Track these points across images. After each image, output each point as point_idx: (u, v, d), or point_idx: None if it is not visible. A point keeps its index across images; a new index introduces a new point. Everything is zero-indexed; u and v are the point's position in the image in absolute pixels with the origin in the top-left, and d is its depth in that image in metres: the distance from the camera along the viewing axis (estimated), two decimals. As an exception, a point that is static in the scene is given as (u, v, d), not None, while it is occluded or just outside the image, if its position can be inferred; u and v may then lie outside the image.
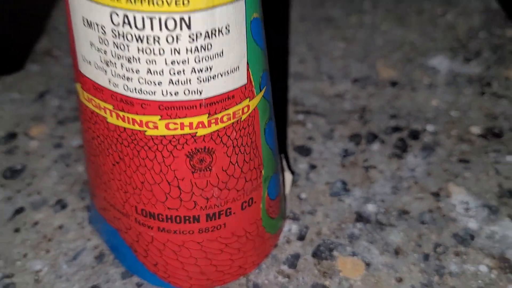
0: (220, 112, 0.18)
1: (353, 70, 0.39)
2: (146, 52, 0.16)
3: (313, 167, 0.31)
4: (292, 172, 0.30)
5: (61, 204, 0.28)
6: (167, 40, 0.16)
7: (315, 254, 0.26)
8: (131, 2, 0.15)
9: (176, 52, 0.16)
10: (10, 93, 0.36)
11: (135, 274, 0.25)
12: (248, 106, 0.19)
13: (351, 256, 0.26)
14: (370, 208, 0.28)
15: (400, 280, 0.25)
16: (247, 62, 0.18)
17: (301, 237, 0.27)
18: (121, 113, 0.18)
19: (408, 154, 0.32)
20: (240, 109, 0.19)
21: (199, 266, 0.23)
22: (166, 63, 0.17)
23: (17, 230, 0.27)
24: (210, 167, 0.20)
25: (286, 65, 0.40)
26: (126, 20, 0.16)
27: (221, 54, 0.17)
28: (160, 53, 0.16)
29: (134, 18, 0.16)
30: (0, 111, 0.35)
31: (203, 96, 0.18)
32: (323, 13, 0.46)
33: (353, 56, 0.41)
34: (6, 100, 0.36)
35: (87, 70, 0.18)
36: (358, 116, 0.35)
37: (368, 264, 0.25)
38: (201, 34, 0.16)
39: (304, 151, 0.32)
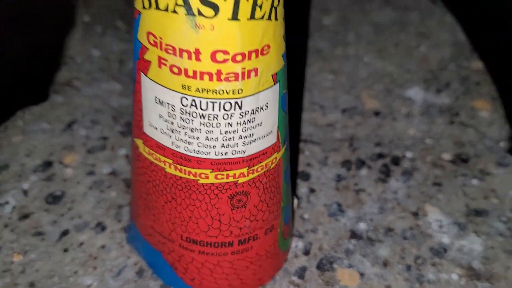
0: (256, 164, 0.24)
1: (341, 101, 0.45)
2: (206, 125, 0.22)
3: (312, 190, 0.37)
4: (297, 197, 0.36)
5: (101, 226, 0.33)
6: (223, 117, 0.21)
7: (318, 266, 0.32)
8: (199, 91, 0.20)
9: (229, 125, 0.22)
10: (40, 123, 0.41)
11: (173, 287, 0.30)
12: (275, 157, 0.25)
13: (348, 268, 0.32)
14: (362, 226, 0.34)
15: (388, 287, 0.30)
16: (278, 126, 0.24)
17: (306, 252, 0.32)
18: (179, 166, 0.23)
19: (391, 178, 0.38)
20: (270, 161, 0.24)
21: (228, 280, 0.28)
22: (220, 133, 0.22)
23: (66, 250, 0.32)
24: (245, 205, 0.25)
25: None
26: (193, 103, 0.21)
27: (261, 124, 0.22)
28: (217, 126, 0.22)
29: (200, 102, 0.21)
30: (34, 140, 0.39)
31: (246, 154, 0.23)
32: (312, 45, 0.52)
33: (341, 87, 0.47)
34: (38, 129, 0.40)
35: (152, 132, 0.23)
36: (348, 144, 0.41)
37: (362, 274, 0.31)
38: (248, 111, 0.22)
39: (304, 176, 0.38)
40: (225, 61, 0.20)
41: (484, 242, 0.33)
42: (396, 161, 0.39)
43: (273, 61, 0.21)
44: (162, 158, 0.24)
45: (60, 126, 0.40)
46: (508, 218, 0.35)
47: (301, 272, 0.31)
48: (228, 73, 0.20)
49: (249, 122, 0.22)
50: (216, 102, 0.21)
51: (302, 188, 0.37)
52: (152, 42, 0.20)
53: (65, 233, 0.33)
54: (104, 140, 0.40)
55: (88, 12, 0.52)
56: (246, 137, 0.22)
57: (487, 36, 0.52)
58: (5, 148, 0.38)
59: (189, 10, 0.19)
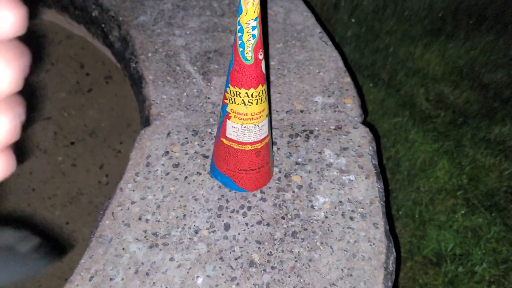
0: (263, 141, 0.76)
1: (284, 107, 0.97)
2: (249, 132, 0.73)
3: (278, 148, 0.89)
4: (273, 151, 0.88)
5: (198, 172, 0.84)
6: (254, 130, 0.73)
7: (285, 176, 0.84)
8: (246, 121, 0.72)
9: (255, 131, 0.73)
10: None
11: (232, 189, 0.81)
12: (268, 138, 0.77)
13: (296, 175, 0.84)
14: (299, 159, 0.87)
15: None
16: (268, 127, 0.75)
17: (279, 171, 0.84)
18: (240, 145, 0.75)
19: (309, 140, 0.90)
20: (267, 140, 0.76)
21: (255, 183, 0.80)
22: (253, 133, 0.73)
23: (186, 178, 0.82)
24: (260, 155, 0.77)
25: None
26: (246, 127, 0.72)
27: (264, 128, 0.74)
28: (252, 132, 0.73)
29: (247, 126, 0.72)
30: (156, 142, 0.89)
31: (260, 138, 0.75)
32: (268, 78, 1.03)
33: (283, 100, 0.98)
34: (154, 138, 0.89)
35: (230, 134, 0.74)
36: (290, 127, 0.93)
37: (301, 177, 0.84)
38: (260, 126, 0.73)
39: (274, 143, 0.90)
40: (253, 114, 0.71)
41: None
42: (311, 132, 0.91)
43: (267, 109, 0.73)
44: (233, 143, 0.75)
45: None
46: (355, 149, 0.88)
47: (278, 178, 0.83)
48: (256, 115, 0.71)
49: (261, 129, 0.73)
50: (252, 124, 0.72)
51: (274, 148, 0.89)
52: (230, 111, 0.71)
53: (187, 176, 0.83)
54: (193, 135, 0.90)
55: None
56: (260, 134, 0.74)
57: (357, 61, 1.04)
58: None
59: (245, 103, 0.70)
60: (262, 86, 0.68)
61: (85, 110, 1.45)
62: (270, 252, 0.73)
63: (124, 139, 1.38)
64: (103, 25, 1.23)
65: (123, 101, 1.44)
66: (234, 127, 0.72)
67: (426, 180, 1.55)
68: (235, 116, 0.71)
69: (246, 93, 0.67)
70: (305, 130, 0.91)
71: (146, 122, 0.94)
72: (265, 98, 0.71)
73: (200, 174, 0.83)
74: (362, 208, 0.77)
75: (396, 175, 1.57)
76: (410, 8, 2.12)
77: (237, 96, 0.68)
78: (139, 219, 0.76)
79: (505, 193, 1.52)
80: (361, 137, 0.89)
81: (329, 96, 0.98)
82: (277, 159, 0.86)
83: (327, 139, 0.89)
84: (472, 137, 1.66)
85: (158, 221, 0.76)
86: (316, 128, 0.92)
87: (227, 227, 0.75)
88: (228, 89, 0.69)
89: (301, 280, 0.69)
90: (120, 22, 1.17)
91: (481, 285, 1.32)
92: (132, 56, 1.09)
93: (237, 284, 0.69)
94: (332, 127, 0.92)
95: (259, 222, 0.76)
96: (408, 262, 1.40)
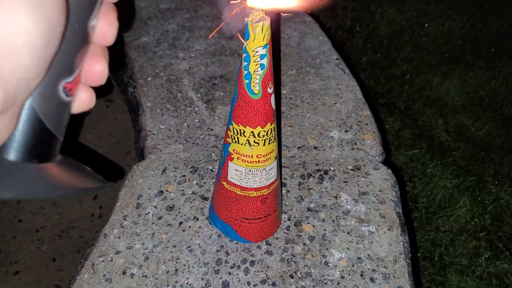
0: (270, 187, 0.65)
1: (296, 142, 0.86)
2: (254, 176, 0.62)
3: (288, 191, 0.78)
4: (281, 195, 0.77)
5: (196, 218, 0.73)
6: (259, 173, 0.62)
7: (295, 224, 0.73)
8: (251, 164, 0.61)
9: (261, 176, 0.63)
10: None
11: (234, 239, 0.70)
12: (276, 183, 0.66)
13: (307, 224, 0.73)
14: (311, 205, 0.76)
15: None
16: (277, 171, 0.65)
17: (288, 219, 0.74)
18: (243, 191, 0.64)
19: (323, 181, 0.79)
20: (274, 185, 0.65)
21: (260, 233, 0.69)
22: (259, 178, 0.63)
23: (181, 225, 0.72)
24: (266, 202, 0.66)
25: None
26: (250, 171, 0.62)
27: (271, 172, 0.63)
28: (258, 176, 0.62)
29: (251, 169, 0.61)
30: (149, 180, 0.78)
31: (266, 184, 0.64)
32: (278, 108, 0.93)
33: (295, 134, 0.88)
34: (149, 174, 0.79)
35: (231, 178, 0.64)
36: (302, 166, 0.82)
37: (313, 226, 0.73)
38: (267, 170, 0.63)
39: (283, 184, 0.79)
40: (259, 156, 0.60)
41: (365, 206, 0.75)
42: (326, 172, 0.81)
43: (276, 150, 0.62)
44: (235, 188, 0.64)
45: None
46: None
47: (287, 227, 0.72)
48: (263, 158, 0.61)
49: (268, 173, 0.63)
50: (257, 168, 0.61)
51: (283, 190, 0.78)
52: (232, 151, 0.61)
53: (182, 222, 0.72)
54: (184, 176, 0.79)
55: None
56: (267, 179, 0.63)
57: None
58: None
59: (250, 144, 0.59)
60: (271, 125, 0.58)
61: (83, 134, 1.35)
62: (276, 318, 0.61)
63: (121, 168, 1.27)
64: (101, 46, 1.14)
65: (123, 126, 1.34)
66: (237, 170, 0.61)
67: (446, 218, 1.43)
68: (238, 158, 0.60)
69: (252, 132, 0.57)
70: (319, 170, 0.81)
71: (140, 155, 0.84)
72: (274, 138, 0.60)
73: (198, 219, 0.72)
74: (385, 268, 0.66)
75: (413, 213, 1.45)
76: (427, 34, 2.03)
77: (241, 135, 0.58)
78: (123, 273, 0.65)
79: (533, 237, 1.39)
80: (382, 180, 0.78)
81: (346, 131, 0.88)
82: (287, 203, 0.75)
83: (344, 182, 0.79)
84: (495, 173, 1.54)
85: (145, 276, 0.65)
86: (332, 168, 0.81)
87: (225, 286, 0.64)
88: (231, 127, 0.59)
89: None
90: (120, 42, 1.08)
91: None
92: (130, 80, 0.99)
93: None
94: (350, 167, 0.81)
95: (263, 281, 0.65)
96: (426, 310, 1.28)
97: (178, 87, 0.96)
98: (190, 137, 0.85)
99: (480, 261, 1.33)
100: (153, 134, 0.85)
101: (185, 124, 0.88)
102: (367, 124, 0.89)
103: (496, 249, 1.36)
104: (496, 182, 1.52)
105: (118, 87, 1.13)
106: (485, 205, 1.45)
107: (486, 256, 1.34)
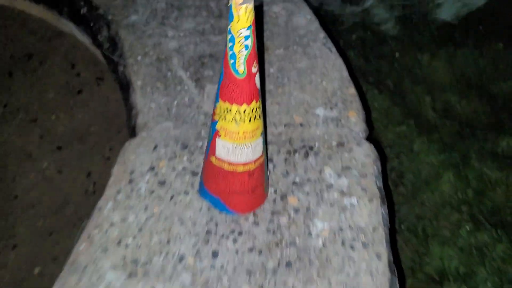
0: (256, 162, 0.68)
1: (283, 120, 0.89)
2: (241, 151, 0.66)
3: (274, 166, 0.81)
4: (268, 169, 0.80)
5: (186, 191, 0.77)
6: (247, 149, 0.66)
7: (280, 197, 0.76)
8: (238, 140, 0.64)
9: (248, 151, 0.66)
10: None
11: (222, 211, 0.74)
12: (262, 158, 0.69)
13: (293, 196, 0.77)
14: (297, 178, 0.79)
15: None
16: (263, 146, 0.68)
17: (274, 191, 0.77)
18: (231, 166, 0.67)
19: (308, 157, 0.83)
20: (261, 159, 0.69)
21: (248, 205, 0.73)
22: (246, 153, 0.66)
23: (171, 199, 0.75)
24: (253, 176, 0.69)
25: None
26: (237, 146, 0.65)
27: (258, 147, 0.67)
28: (245, 151, 0.66)
29: (238, 144, 0.65)
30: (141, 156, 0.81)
31: (253, 159, 0.67)
32: (264, 87, 0.95)
33: (282, 112, 0.91)
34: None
35: (219, 154, 0.67)
36: (288, 143, 0.85)
37: (299, 199, 0.76)
38: (254, 145, 0.66)
39: (270, 160, 0.82)
40: (245, 133, 0.64)
41: (347, 180, 0.79)
42: (311, 148, 0.84)
43: (261, 127, 0.65)
44: (223, 163, 0.67)
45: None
46: (358, 169, 0.81)
47: (273, 200, 0.76)
48: (249, 134, 0.64)
49: (254, 148, 0.66)
50: (244, 143, 0.65)
51: (270, 165, 0.81)
52: (219, 128, 0.64)
53: (173, 196, 0.76)
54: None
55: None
56: (253, 154, 0.66)
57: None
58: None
59: (236, 121, 0.62)
60: (256, 102, 0.61)
61: (74, 113, 1.37)
62: (262, 284, 0.65)
63: (114, 145, 1.30)
64: (92, 24, 1.16)
65: (114, 104, 1.37)
66: (225, 146, 0.65)
67: (430, 193, 1.48)
68: (225, 135, 0.64)
69: (238, 109, 0.60)
70: (304, 146, 0.84)
71: (132, 132, 0.87)
72: (260, 115, 0.64)
73: (188, 193, 0.76)
74: (364, 236, 0.70)
75: (399, 188, 1.50)
76: (417, 13, 2.05)
77: (227, 113, 0.61)
78: (118, 243, 0.69)
79: (513, 209, 1.44)
80: (365, 155, 0.82)
81: (331, 109, 0.91)
82: (273, 178, 0.79)
83: (328, 157, 0.82)
84: (479, 149, 1.59)
85: (139, 246, 0.68)
86: (316, 144, 0.84)
87: (215, 254, 0.68)
88: (217, 105, 0.62)
89: (295, 318, 0.63)
90: (109, 21, 1.10)
91: (486, 308, 1.25)
92: (120, 59, 1.02)
93: (224, 321, 0.62)
94: (334, 143, 0.85)
95: (250, 250, 0.69)
96: (409, 279, 1.33)
97: (168, 66, 0.98)
98: (180, 115, 0.88)
99: (462, 232, 1.38)
100: (144, 112, 0.88)
101: (175, 102, 0.91)
102: (352, 102, 0.92)
103: (477, 222, 1.41)
104: (479, 158, 1.56)
105: (108, 66, 1.15)
106: (468, 180, 1.50)
107: (467, 228, 1.39)
